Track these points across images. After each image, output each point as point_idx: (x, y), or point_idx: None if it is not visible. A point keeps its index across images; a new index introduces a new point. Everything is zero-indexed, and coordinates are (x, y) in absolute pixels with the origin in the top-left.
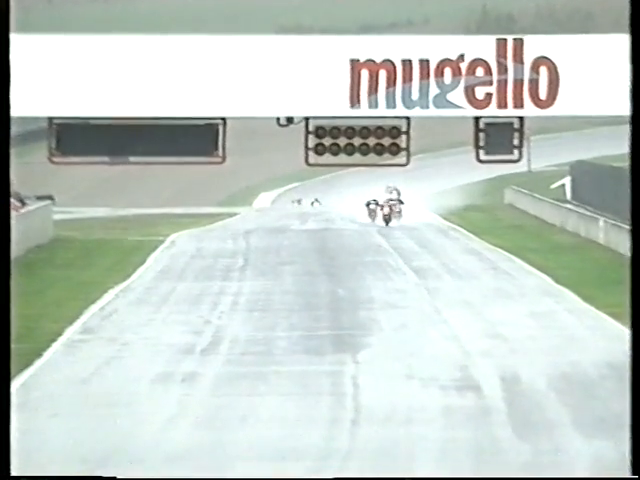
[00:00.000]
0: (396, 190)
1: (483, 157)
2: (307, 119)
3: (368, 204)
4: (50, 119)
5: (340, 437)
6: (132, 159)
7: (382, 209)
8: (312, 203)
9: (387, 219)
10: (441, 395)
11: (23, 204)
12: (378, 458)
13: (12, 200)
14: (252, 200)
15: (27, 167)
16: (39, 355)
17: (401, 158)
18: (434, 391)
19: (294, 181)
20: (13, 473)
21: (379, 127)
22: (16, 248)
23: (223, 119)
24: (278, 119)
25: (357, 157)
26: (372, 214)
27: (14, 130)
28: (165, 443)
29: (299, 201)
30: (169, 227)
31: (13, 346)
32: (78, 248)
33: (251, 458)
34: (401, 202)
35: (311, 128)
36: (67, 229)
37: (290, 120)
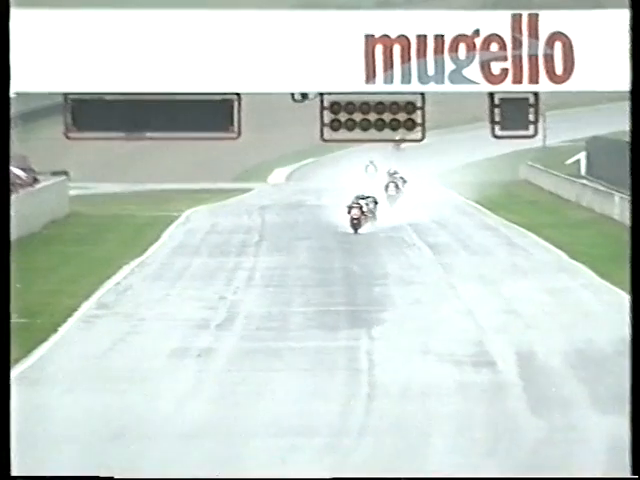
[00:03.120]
0: (396, 177)
1: (498, 133)
2: (322, 95)
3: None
4: (65, 95)
5: (355, 413)
6: (147, 135)
7: (350, 211)
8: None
9: (355, 224)
10: (456, 371)
11: (36, 180)
12: (393, 433)
13: (26, 176)
14: (267, 176)
15: (42, 143)
16: (55, 330)
17: (416, 134)
18: (449, 367)
19: (309, 157)
20: (13, 473)
21: (394, 103)
22: (31, 224)
23: (238, 95)
24: (293, 95)
25: (373, 133)
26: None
27: (30, 106)
28: (180, 418)
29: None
30: (184, 203)
31: (29, 321)
32: (93, 224)
33: (266, 434)
34: (375, 202)
35: (326, 104)
36: (82, 205)
37: (305, 96)
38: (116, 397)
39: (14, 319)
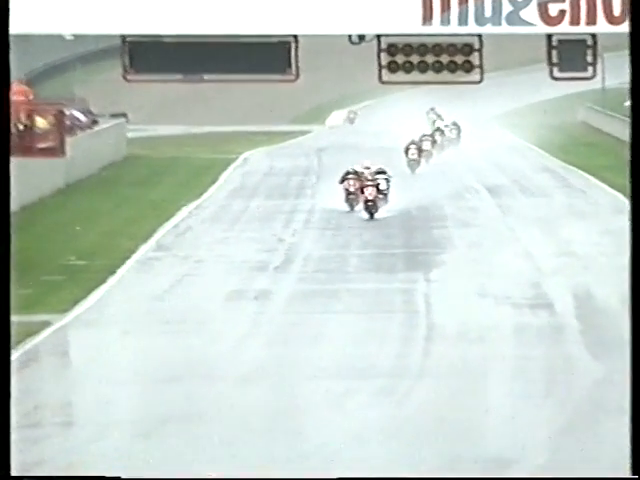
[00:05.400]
0: (424, 138)
1: (557, 74)
2: (379, 37)
3: (344, 179)
4: (123, 37)
5: (413, 355)
6: (205, 77)
7: (363, 191)
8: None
9: (371, 207)
10: (514, 313)
11: (95, 122)
12: (451, 376)
13: (85, 119)
14: (324, 118)
15: (101, 85)
16: (113, 272)
17: (474, 76)
18: (507, 309)
19: (366, 99)
20: (13, 473)
21: (452, 44)
22: (90, 166)
23: (295, 37)
24: (350, 37)
25: (430, 75)
26: (351, 198)
27: (88, 48)
28: (238, 360)
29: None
30: (242, 145)
31: (87, 263)
32: (151, 166)
33: (323, 376)
34: (387, 178)
35: (383, 46)
36: (140, 147)
37: (362, 38)
38: (173, 339)
39: (72, 261)
